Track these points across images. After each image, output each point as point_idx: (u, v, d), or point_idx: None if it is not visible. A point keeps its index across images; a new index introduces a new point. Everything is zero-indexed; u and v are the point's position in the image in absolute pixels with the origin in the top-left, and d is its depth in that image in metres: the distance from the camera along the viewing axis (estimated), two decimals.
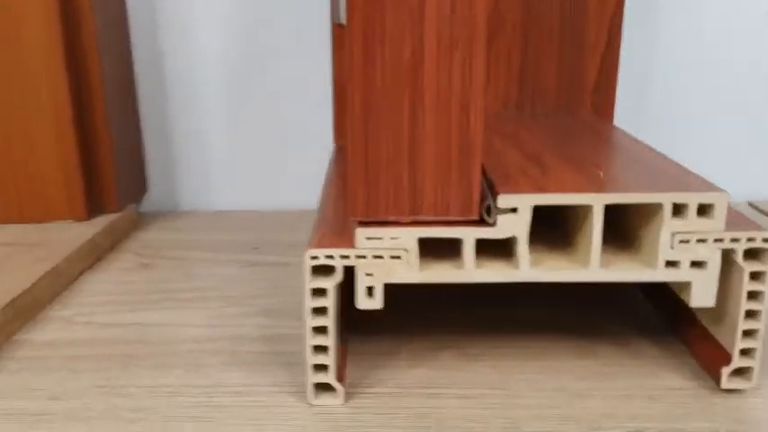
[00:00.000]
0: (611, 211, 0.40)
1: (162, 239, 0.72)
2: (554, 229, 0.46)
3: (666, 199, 0.39)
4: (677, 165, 0.45)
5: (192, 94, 0.79)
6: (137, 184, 0.78)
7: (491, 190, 0.40)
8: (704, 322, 0.45)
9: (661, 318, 0.52)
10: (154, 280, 0.62)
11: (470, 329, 0.51)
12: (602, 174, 0.43)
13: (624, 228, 0.45)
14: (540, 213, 0.41)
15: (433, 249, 0.42)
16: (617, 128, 0.59)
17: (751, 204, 0.80)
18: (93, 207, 0.70)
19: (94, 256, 0.66)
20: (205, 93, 0.79)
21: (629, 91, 0.78)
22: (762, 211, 0.77)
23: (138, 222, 0.77)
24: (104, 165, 0.70)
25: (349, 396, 0.43)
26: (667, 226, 0.39)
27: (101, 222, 0.69)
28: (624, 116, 0.68)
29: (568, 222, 0.44)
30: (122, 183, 0.73)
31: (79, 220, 0.69)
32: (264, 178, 0.81)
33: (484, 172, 0.44)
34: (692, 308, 0.46)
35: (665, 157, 0.47)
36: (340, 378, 0.42)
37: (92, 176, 0.70)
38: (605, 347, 0.48)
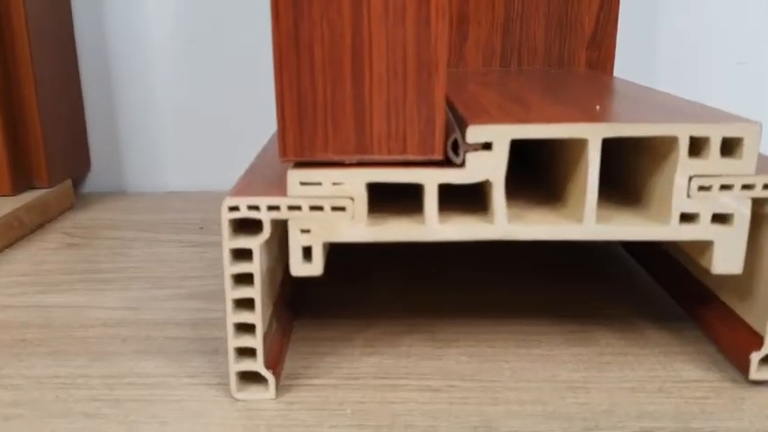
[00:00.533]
0: (608, 158, 0.32)
1: (99, 218, 0.64)
2: (540, 187, 0.38)
3: (683, 131, 0.30)
4: (697, 104, 0.36)
5: (139, 74, 0.70)
6: (74, 161, 0.69)
7: (460, 124, 0.32)
8: (725, 298, 0.37)
9: (673, 296, 0.43)
10: (76, 260, 0.53)
11: (444, 311, 0.42)
12: (598, 107, 0.34)
13: (627, 182, 0.36)
14: (522, 164, 0.32)
15: (387, 201, 0.34)
16: (620, 78, 0.50)
17: None
18: (21, 182, 0.62)
19: (16, 233, 0.57)
20: (153, 73, 0.70)
21: (632, 46, 0.69)
22: None
23: (78, 202, 0.68)
24: (33, 139, 0.62)
25: (283, 389, 0.34)
26: (683, 168, 0.31)
27: (26, 197, 0.60)
28: (627, 76, 0.60)
29: (557, 174, 0.36)
30: (56, 159, 0.64)
31: (3, 194, 0.60)
32: (217, 158, 0.72)
33: (452, 107, 0.35)
34: (707, 283, 0.38)
35: (680, 98, 0.38)
36: (272, 366, 0.34)
37: (19, 150, 0.61)
38: (606, 333, 0.39)
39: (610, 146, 0.33)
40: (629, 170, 0.36)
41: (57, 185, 0.64)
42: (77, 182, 0.73)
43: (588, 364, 0.36)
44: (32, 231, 0.60)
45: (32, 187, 0.63)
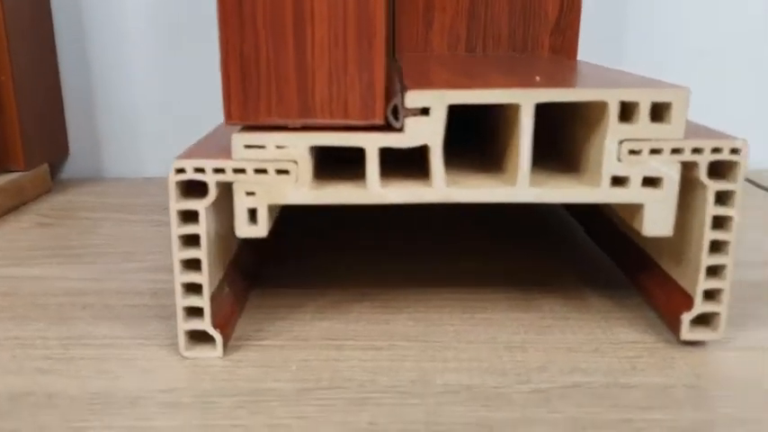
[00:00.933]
0: (553, 129, 0.33)
1: (74, 201, 0.65)
2: (486, 156, 0.39)
3: (612, 96, 0.31)
4: (639, 76, 0.38)
5: (118, 63, 0.71)
6: (52, 146, 0.70)
7: (402, 92, 0.33)
8: (664, 265, 0.38)
9: (618, 266, 0.44)
10: (47, 238, 0.54)
11: (397, 282, 0.43)
12: (538, 78, 0.35)
13: (567, 151, 0.38)
14: (475, 136, 0.33)
15: (335, 168, 0.35)
16: (580, 61, 0.51)
17: None
18: None
19: None
20: (131, 61, 0.71)
21: (599, 34, 0.71)
22: (755, 183, 0.70)
23: (55, 186, 0.69)
24: (9, 123, 0.63)
25: (232, 349, 0.36)
26: (613, 132, 0.32)
27: (2, 179, 0.61)
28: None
29: (498, 143, 0.37)
30: (32, 143, 0.65)
31: None
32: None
33: (402, 80, 0.36)
34: (648, 251, 0.39)
35: (627, 73, 0.40)
36: (220, 326, 0.35)
37: None
38: (550, 300, 0.41)
39: (553, 116, 0.35)
40: (569, 139, 0.37)
41: (33, 169, 0.65)
42: (56, 167, 0.74)
43: (529, 327, 0.37)
44: (7, 212, 0.61)
45: (8, 171, 0.64)
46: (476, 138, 0.43)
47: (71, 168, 0.75)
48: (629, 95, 0.31)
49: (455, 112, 0.33)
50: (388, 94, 0.33)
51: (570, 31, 0.58)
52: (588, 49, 0.64)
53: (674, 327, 0.35)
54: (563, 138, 0.38)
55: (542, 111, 0.37)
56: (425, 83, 0.34)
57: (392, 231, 0.53)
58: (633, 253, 0.41)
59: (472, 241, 0.51)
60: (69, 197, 0.67)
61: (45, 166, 0.68)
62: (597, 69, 0.42)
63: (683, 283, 0.36)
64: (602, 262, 0.46)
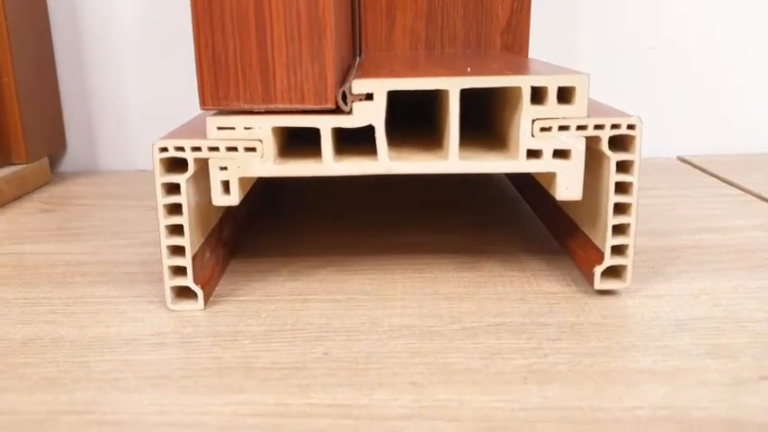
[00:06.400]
0: (482, 110, 0.39)
1: (72, 190, 0.71)
2: (432, 140, 0.45)
3: (524, 82, 0.38)
4: (558, 66, 0.44)
5: (112, 61, 0.77)
6: (51, 138, 0.76)
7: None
8: (584, 228, 0.44)
9: (552, 233, 0.50)
10: (48, 221, 0.60)
11: (360, 251, 0.49)
12: (469, 69, 0.41)
13: (496, 131, 0.44)
14: (417, 119, 0.39)
15: (300, 147, 0.41)
16: (525, 57, 0.57)
17: (680, 158, 0.80)
18: (1, 158, 0.69)
19: None
20: (125, 60, 0.77)
21: (552, 33, 0.77)
22: (693, 165, 0.77)
23: (54, 178, 0.75)
24: (12, 118, 0.69)
25: (212, 303, 0.41)
26: (527, 112, 0.38)
27: (5, 171, 0.67)
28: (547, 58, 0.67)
29: (439, 125, 0.43)
30: (33, 136, 0.71)
31: None
32: None
33: (350, 69, 0.42)
34: (574, 219, 0.45)
35: (549, 64, 0.46)
36: (201, 283, 0.41)
37: None
38: (491, 263, 0.47)
39: (488, 102, 0.41)
40: (499, 121, 0.43)
41: (34, 162, 0.71)
42: (54, 162, 0.80)
43: (468, 283, 0.43)
44: (11, 201, 0.66)
45: (12, 163, 0.70)
46: (432, 123, 0.49)
47: (68, 162, 0.81)
48: (538, 81, 0.37)
49: (414, 102, 0.39)
50: (343, 84, 0.39)
51: (521, 31, 0.64)
52: (545, 48, 0.70)
53: (590, 279, 0.41)
54: (496, 120, 0.44)
55: (480, 97, 0.43)
56: (373, 74, 0.40)
57: (359, 211, 0.59)
58: (563, 220, 0.47)
59: (430, 216, 0.57)
60: (67, 187, 0.73)
61: (45, 159, 0.74)
62: (528, 62, 0.48)
63: (597, 241, 0.42)
64: (541, 230, 0.52)
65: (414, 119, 0.50)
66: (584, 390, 0.31)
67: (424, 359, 0.34)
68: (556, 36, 0.78)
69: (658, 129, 0.80)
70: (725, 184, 0.67)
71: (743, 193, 0.63)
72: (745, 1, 0.78)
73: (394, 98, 0.39)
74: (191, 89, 0.78)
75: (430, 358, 0.34)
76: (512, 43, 0.64)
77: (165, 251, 0.40)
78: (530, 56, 0.65)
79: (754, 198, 0.61)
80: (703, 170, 0.73)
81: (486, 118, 0.48)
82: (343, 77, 0.43)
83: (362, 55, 0.62)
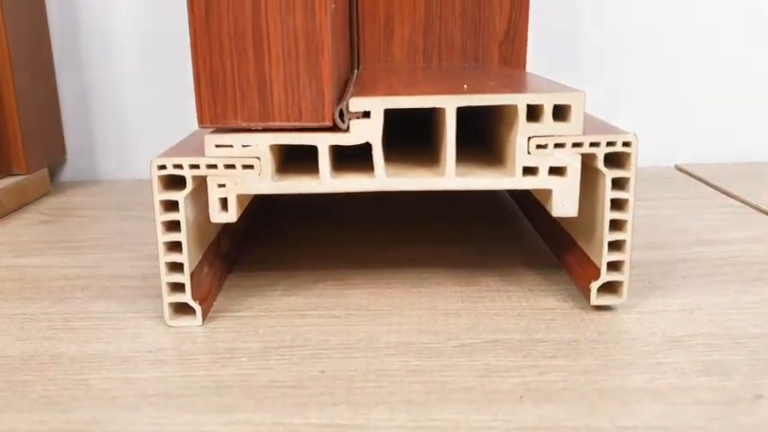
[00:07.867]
0: (479, 126, 0.39)
1: (71, 201, 0.71)
2: (429, 157, 0.45)
3: (520, 100, 0.38)
4: (555, 83, 0.44)
5: (111, 71, 0.78)
6: (51, 151, 0.77)
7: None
8: (580, 243, 0.44)
9: (550, 248, 0.51)
10: (48, 233, 0.60)
11: (358, 266, 0.50)
12: (466, 86, 0.42)
13: (494, 148, 0.44)
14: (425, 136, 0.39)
15: (297, 164, 0.41)
16: (526, 72, 0.58)
17: (678, 167, 0.80)
18: (1, 169, 0.69)
19: None
20: (125, 69, 0.78)
21: (557, 49, 0.77)
22: (690, 174, 0.77)
23: (54, 189, 0.76)
24: (12, 130, 0.69)
25: (211, 318, 0.42)
26: (523, 130, 0.38)
27: (5, 182, 0.67)
28: (550, 70, 0.67)
29: (436, 142, 0.43)
30: (33, 148, 0.71)
31: None
32: None
33: (348, 83, 0.43)
34: (571, 234, 0.45)
35: (546, 79, 0.46)
36: (199, 300, 0.41)
37: None
38: (488, 277, 0.47)
39: (484, 116, 0.41)
40: (496, 137, 0.43)
41: (34, 173, 0.72)
42: (54, 172, 0.80)
43: (466, 298, 0.44)
44: (11, 212, 0.67)
45: (12, 174, 0.70)
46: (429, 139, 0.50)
47: (68, 172, 0.81)
48: (533, 99, 0.38)
49: (412, 117, 0.39)
50: (340, 100, 0.39)
51: (519, 41, 0.64)
52: (544, 59, 0.71)
53: (587, 294, 0.42)
54: (493, 135, 0.44)
55: (478, 114, 0.44)
56: (370, 91, 0.40)
57: (355, 226, 0.59)
58: (560, 235, 0.48)
59: (429, 229, 0.57)
60: (67, 198, 0.73)
61: (45, 170, 0.74)
62: (525, 78, 0.48)
63: (593, 257, 0.42)
64: (539, 245, 0.53)
65: (412, 131, 0.50)
66: (580, 409, 0.31)
67: (421, 377, 0.34)
68: (554, 46, 0.78)
69: (656, 138, 0.80)
70: (722, 195, 0.67)
71: (741, 204, 0.64)
72: (745, 11, 0.78)
73: (392, 112, 0.39)
74: (190, 98, 0.78)
75: (427, 376, 0.34)
76: (510, 54, 0.65)
77: (163, 268, 0.40)
78: (528, 66, 0.65)
79: (752, 210, 0.62)
80: (701, 180, 0.73)
81: (483, 132, 0.48)
82: (341, 92, 0.43)
83: (361, 67, 0.63)
